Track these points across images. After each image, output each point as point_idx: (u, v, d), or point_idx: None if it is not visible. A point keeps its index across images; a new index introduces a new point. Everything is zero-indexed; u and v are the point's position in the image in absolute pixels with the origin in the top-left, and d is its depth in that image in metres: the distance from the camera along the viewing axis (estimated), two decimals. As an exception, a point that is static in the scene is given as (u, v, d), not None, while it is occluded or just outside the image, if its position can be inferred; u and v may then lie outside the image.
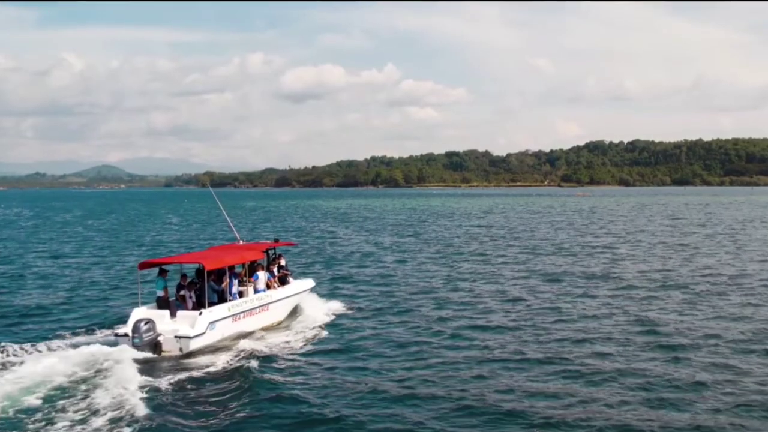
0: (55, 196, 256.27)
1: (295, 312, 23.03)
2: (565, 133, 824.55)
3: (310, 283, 24.55)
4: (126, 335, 18.06)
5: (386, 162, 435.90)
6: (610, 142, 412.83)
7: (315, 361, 18.08)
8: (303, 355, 18.63)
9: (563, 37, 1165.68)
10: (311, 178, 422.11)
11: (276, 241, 24.70)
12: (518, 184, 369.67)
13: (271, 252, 23.83)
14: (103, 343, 18.33)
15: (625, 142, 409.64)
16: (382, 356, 18.26)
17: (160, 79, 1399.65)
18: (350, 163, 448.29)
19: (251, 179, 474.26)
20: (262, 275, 21.46)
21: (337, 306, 23.97)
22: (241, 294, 20.70)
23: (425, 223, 74.75)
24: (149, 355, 17.85)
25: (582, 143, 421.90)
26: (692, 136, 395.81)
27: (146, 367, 17.06)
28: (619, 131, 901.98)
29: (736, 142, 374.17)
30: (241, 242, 23.52)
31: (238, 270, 21.22)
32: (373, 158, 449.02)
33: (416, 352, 18.47)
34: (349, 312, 23.58)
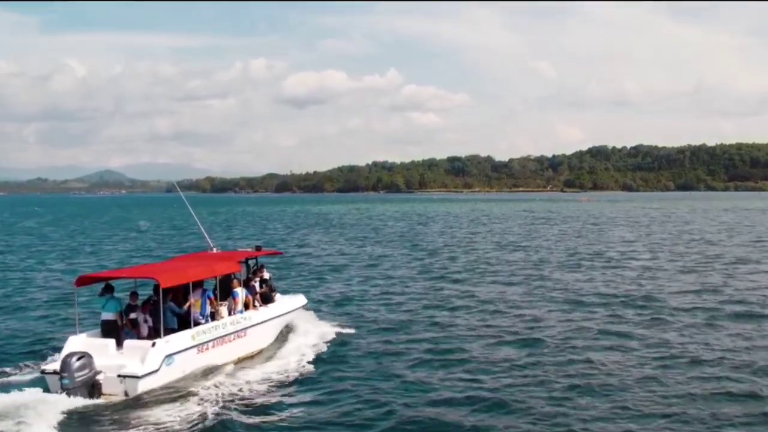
0: (46, 202, 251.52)
1: (280, 337, 18.75)
2: (567, 137, 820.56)
3: (300, 300, 20.26)
4: (55, 373, 13.81)
5: (388, 167, 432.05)
6: (613, 147, 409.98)
7: (299, 405, 13.91)
8: (285, 397, 14.40)
9: (564, 41, 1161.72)
10: (312, 183, 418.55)
11: (258, 249, 20.27)
12: (520, 189, 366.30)
13: (251, 262, 19.57)
14: (24, 385, 14.11)
15: (628, 147, 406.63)
16: (375, 405, 13.98)
17: (163, 83, 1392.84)
18: (351, 168, 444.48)
19: (252, 184, 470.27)
20: (240, 292, 17.19)
21: (328, 331, 19.58)
22: (213, 316, 16.44)
23: (423, 231, 69.63)
24: (85, 400, 13.60)
25: (584, 148, 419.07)
26: (694, 141, 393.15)
27: (78, 418, 12.89)
28: (620, 136, 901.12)
29: (739, 146, 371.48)
30: (214, 250, 19.11)
31: (208, 285, 16.95)
32: (375, 163, 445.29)
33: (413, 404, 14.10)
34: (344, 338, 19.22)
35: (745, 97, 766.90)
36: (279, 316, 18.52)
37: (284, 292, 21.26)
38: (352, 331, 20.04)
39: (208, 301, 16.20)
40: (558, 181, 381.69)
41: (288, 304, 19.32)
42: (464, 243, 52.52)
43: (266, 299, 18.68)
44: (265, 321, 17.76)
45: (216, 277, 16.78)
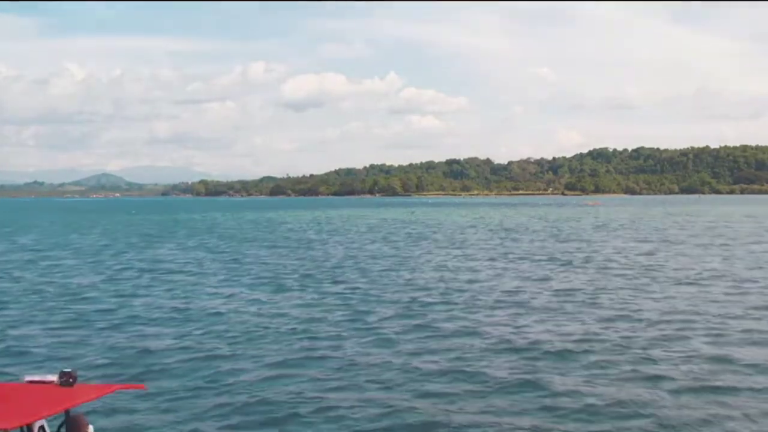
0: (29, 206, 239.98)
1: None
2: (567, 141, 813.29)
3: None
4: None
5: (385, 170, 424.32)
6: (614, 150, 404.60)
7: None
8: None
9: (564, 44, 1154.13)
10: (307, 187, 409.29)
11: (66, 381, 6.51)
12: (520, 192, 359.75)
13: (43, 425, 6.77)
14: None
15: (629, 149, 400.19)
16: None
17: (162, 87, 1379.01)
18: (349, 171, 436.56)
19: (246, 188, 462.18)
20: None
21: None
22: None
23: (416, 251, 50.72)
24: None
25: (584, 151, 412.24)
26: (695, 144, 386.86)
27: None
28: (620, 139, 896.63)
29: (744, 149, 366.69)
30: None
31: None
32: (372, 166, 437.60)
33: None
34: None
35: (745, 102, 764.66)
36: None
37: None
38: None
39: None
40: (559, 184, 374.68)
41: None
42: (465, 278, 40.83)
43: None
44: None
45: None
